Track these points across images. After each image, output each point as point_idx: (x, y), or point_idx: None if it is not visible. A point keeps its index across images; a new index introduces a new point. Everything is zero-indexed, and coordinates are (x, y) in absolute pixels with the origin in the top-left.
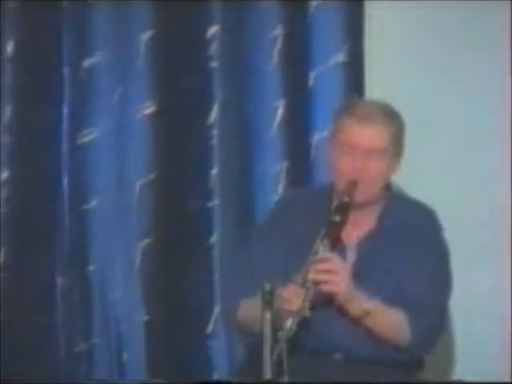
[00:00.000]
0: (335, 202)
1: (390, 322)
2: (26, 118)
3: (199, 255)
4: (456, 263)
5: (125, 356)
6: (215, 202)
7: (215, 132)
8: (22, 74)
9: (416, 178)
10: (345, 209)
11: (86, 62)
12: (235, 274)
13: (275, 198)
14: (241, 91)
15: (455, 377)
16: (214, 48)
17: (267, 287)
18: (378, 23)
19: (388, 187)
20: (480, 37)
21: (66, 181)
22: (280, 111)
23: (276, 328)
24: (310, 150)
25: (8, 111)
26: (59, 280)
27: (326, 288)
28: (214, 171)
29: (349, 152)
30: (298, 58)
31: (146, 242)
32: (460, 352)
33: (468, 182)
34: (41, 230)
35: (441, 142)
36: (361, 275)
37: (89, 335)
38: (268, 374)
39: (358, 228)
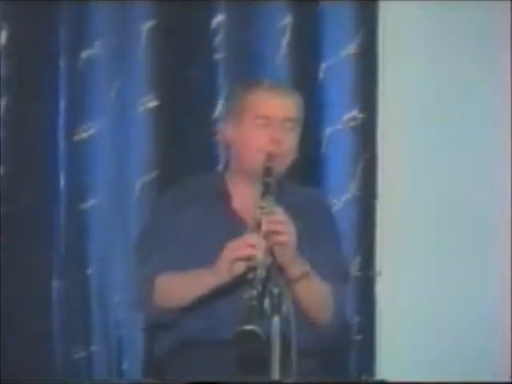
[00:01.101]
0: (262, 169)
1: (322, 288)
2: (20, 113)
3: None
4: (457, 263)
5: (125, 364)
6: None
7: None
8: (15, 66)
9: (416, 178)
10: (269, 171)
11: (84, 54)
12: (145, 251)
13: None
14: None
15: (455, 377)
16: (219, 39)
17: (276, 291)
18: (392, 14)
19: None
20: (480, 36)
21: (62, 179)
22: None
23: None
24: (321, 145)
25: (1, 106)
26: (56, 283)
27: (279, 238)
28: (219, 169)
29: (264, 124)
30: (307, 50)
31: None
32: (460, 352)
33: (468, 185)
34: (36, 231)
35: (448, 139)
36: None
37: (87, 342)
38: (276, 375)
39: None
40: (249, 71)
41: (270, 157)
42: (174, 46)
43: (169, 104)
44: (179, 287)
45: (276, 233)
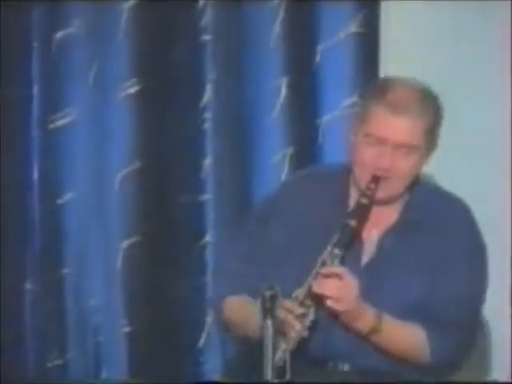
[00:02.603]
0: (352, 204)
1: (404, 339)
2: None
3: (190, 257)
4: None
5: (104, 372)
6: (208, 196)
7: (208, 115)
8: None
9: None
10: (362, 212)
11: (59, 34)
12: (223, 264)
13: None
14: (237, 68)
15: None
16: (206, 18)
17: (267, 294)
18: None
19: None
20: (480, 36)
21: (36, 171)
22: (283, 91)
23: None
24: (318, 134)
25: None
26: (29, 285)
27: (331, 305)
28: (207, 160)
29: (375, 145)
30: (303, 30)
31: (128, 241)
32: None
33: (470, 185)
34: (7, 228)
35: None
36: (378, 276)
37: (63, 349)
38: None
39: (378, 222)
40: (239, 53)
41: (373, 183)
42: (158, 26)
43: (152, 89)
44: (242, 318)
45: (329, 298)
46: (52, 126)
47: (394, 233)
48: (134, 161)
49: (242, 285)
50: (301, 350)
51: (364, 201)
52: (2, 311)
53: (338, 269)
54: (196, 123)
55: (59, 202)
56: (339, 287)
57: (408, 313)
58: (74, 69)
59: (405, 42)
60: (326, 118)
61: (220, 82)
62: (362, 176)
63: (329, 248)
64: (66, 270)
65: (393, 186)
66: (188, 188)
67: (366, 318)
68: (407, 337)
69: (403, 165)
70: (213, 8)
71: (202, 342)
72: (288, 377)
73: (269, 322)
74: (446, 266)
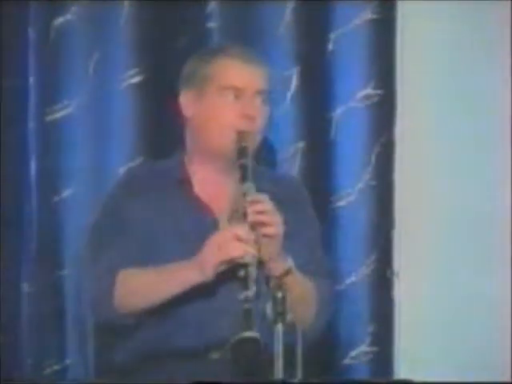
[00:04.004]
0: (236, 149)
1: (304, 284)
2: None
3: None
4: (456, 264)
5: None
6: None
7: None
8: None
9: (439, 165)
10: (246, 152)
11: (57, 21)
12: (101, 248)
13: None
14: None
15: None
16: (212, 5)
17: (279, 296)
18: None
19: None
20: (480, 37)
21: (33, 166)
22: (294, 81)
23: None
24: (331, 126)
25: None
26: (25, 287)
27: (266, 230)
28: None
29: (234, 97)
30: (315, 17)
31: None
32: (460, 351)
33: (471, 186)
34: (3, 226)
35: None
36: None
37: (61, 354)
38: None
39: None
40: (247, 42)
41: (243, 136)
42: (162, 13)
43: (155, 79)
44: (151, 284)
45: (263, 224)
46: (49, 118)
47: None
48: (136, 155)
49: (130, 258)
50: (174, 342)
51: (244, 144)
52: None
53: (258, 196)
54: None
55: (57, 198)
56: (267, 212)
57: None
58: (73, 57)
59: (422, 29)
60: (339, 110)
61: None
62: (224, 138)
63: (239, 184)
64: (64, 271)
65: (256, 139)
66: None
67: (282, 258)
68: (306, 283)
69: (262, 113)
70: None
71: None
72: (299, 377)
73: (279, 326)
74: (300, 231)
